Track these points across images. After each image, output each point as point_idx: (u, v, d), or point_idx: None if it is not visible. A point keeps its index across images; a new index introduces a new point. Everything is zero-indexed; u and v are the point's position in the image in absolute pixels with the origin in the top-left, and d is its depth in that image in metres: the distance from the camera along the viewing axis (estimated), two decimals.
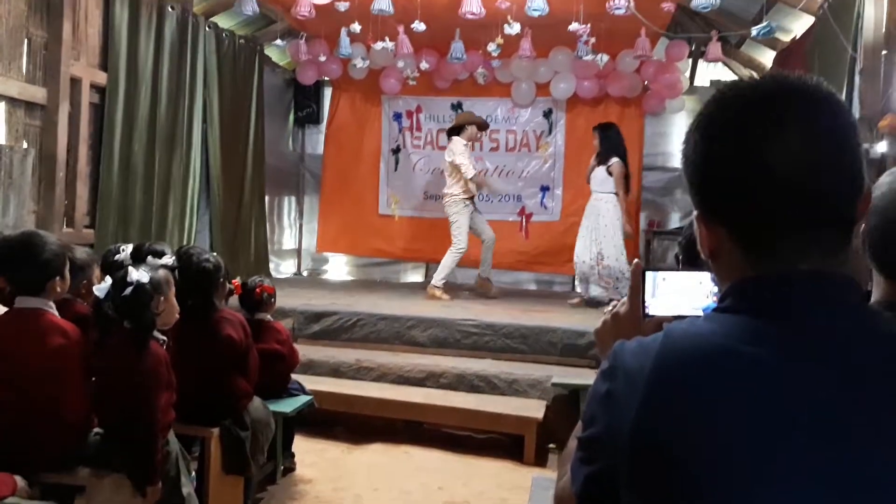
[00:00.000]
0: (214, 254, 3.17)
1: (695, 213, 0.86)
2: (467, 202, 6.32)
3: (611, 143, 6.14)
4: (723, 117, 0.81)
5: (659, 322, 1.09)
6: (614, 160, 6.03)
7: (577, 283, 6.48)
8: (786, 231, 0.78)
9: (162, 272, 2.59)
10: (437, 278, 6.39)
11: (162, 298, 2.52)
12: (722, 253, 0.83)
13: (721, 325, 0.77)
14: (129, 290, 2.41)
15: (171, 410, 2.62)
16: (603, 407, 0.80)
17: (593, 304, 6.09)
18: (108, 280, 2.45)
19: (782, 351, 0.72)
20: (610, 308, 1.16)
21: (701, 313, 1.07)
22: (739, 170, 0.78)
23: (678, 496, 0.71)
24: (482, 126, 6.57)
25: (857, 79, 4.17)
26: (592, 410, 0.82)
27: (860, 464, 0.68)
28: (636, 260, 1.14)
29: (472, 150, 6.62)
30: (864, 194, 0.79)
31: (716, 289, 1.08)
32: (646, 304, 1.09)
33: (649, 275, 1.09)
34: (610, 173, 6.04)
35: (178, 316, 2.65)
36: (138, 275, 2.44)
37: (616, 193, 6.06)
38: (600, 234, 6.08)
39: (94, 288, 2.47)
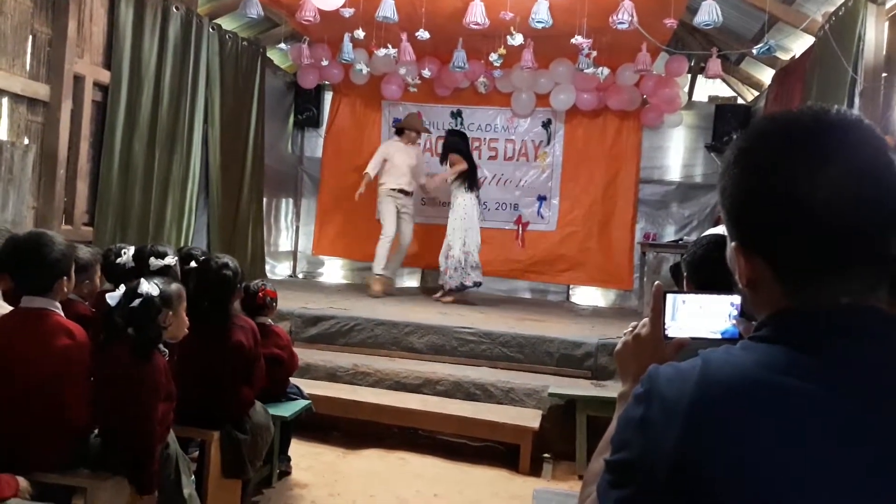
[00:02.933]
0: (232, 259, 3.14)
1: (732, 243, 0.86)
2: (391, 193, 6.75)
3: (450, 144, 6.78)
4: (763, 152, 0.81)
5: (678, 344, 1.10)
6: (451, 155, 6.70)
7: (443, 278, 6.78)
8: (826, 266, 0.78)
9: (174, 286, 2.58)
10: (375, 267, 6.81)
11: (171, 313, 2.51)
12: (760, 284, 0.83)
13: (760, 356, 0.77)
14: (137, 301, 2.41)
15: (171, 415, 2.61)
16: (636, 433, 0.80)
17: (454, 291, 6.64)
18: (122, 288, 2.44)
19: (822, 384, 0.73)
20: (630, 329, 1.17)
21: (720, 336, 1.09)
22: (780, 205, 0.78)
23: None
24: (419, 132, 7.09)
25: (857, 100, 4.22)
26: (624, 435, 0.82)
27: None
28: (657, 282, 1.15)
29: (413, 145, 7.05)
30: None
31: (735, 313, 1.10)
32: (665, 327, 1.10)
33: (669, 297, 1.10)
34: (450, 164, 6.68)
35: (186, 330, 2.63)
36: (149, 287, 2.42)
37: (461, 185, 6.61)
38: (449, 230, 6.64)
39: (108, 295, 2.45)
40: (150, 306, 2.44)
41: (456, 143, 6.78)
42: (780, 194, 0.78)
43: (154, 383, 2.46)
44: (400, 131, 6.99)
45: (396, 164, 6.75)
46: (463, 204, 6.60)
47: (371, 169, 6.74)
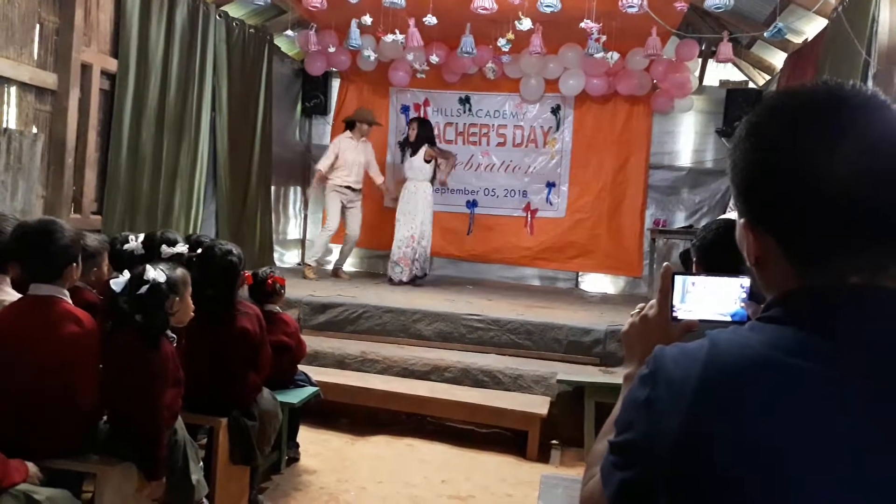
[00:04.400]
0: (235, 246, 3.13)
1: (741, 220, 0.85)
2: (338, 189, 6.84)
3: (425, 133, 6.90)
4: (775, 127, 0.79)
5: (686, 326, 1.09)
6: (425, 147, 6.81)
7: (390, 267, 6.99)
8: (837, 244, 0.76)
9: (179, 271, 2.57)
10: (309, 256, 7.10)
11: (177, 298, 2.51)
12: (769, 262, 0.82)
13: (768, 336, 0.76)
14: (144, 288, 2.40)
15: (179, 402, 2.61)
16: (642, 413, 0.79)
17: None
18: (126, 274, 2.44)
19: (832, 365, 0.72)
20: (637, 311, 1.15)
21: (729, 319, 1.07)
22: (791, 182, 0.76)
23: None
24: (370, 125, 7.05)
25: (870, 83, 4.16)
26: (629, 416, 0.81)
27: None
28: (666, 263, 1.13)
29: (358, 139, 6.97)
30: None
31: (745, 295, 1.08)
32: (674, 308, 1.08)
33: (678, 279, 1.08)
34: (426, 160, 6.80)
35: (192, 314, 2.63)
36: (155, 273, 2.42)
37: (431, 181, 6.91)
38: (417, 219, 6.79)
39: (112, 282, 2.45)
40: (158, 293, 2.44)
41: (429, 137, 6.94)
42: (791, 169, 0.76)
43: (161, 370, 2.46)
44: (351, 125, 6.96)
45: (347, 160, 6.81)
46: (424, 193, 6.83)
47: (322, 165, 6.80)
